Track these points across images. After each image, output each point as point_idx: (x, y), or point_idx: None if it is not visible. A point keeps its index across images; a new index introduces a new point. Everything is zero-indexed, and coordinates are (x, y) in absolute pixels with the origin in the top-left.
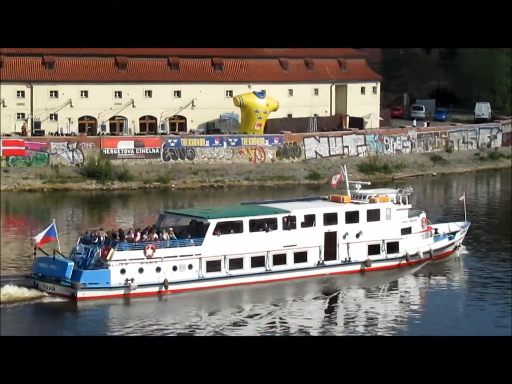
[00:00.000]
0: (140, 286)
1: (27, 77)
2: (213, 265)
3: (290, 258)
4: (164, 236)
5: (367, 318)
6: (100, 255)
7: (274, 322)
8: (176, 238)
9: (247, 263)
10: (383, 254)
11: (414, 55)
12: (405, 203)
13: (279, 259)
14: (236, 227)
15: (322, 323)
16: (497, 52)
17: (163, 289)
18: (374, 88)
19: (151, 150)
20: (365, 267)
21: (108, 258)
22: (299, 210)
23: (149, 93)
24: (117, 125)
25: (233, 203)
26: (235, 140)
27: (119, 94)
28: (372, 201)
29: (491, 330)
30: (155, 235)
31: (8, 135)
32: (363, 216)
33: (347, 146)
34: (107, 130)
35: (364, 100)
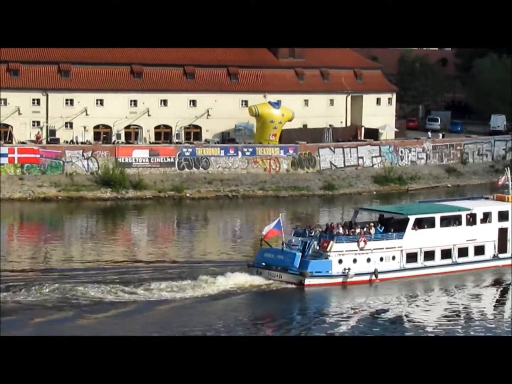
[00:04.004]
0: (355, 275)
1: (43, 85)
2: (411, 257)
3: (471, 251)
4: (371, 230)
5: None
6: (319, 247)
7: (457, 303)
8: (379, 231)
9: (437, 255)
10: None
11: (430, 67)
12: None
13: (463, 252)
14: (430, 223)
15: (494, 307)
16: None
17: (373, 277)
18: (390, 99)
19: (166, 159)
20: None
21: (328, 249)
22: (478, 208)
23: (164, 102)
24: (132, 134)
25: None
26: (250, 150)
27: (134, 102)
28: None
29: None
30: (359, 229)
31: (23, 142)
32: None
33: (362, 157)
34: (122, 138)
35: (380, 111)
